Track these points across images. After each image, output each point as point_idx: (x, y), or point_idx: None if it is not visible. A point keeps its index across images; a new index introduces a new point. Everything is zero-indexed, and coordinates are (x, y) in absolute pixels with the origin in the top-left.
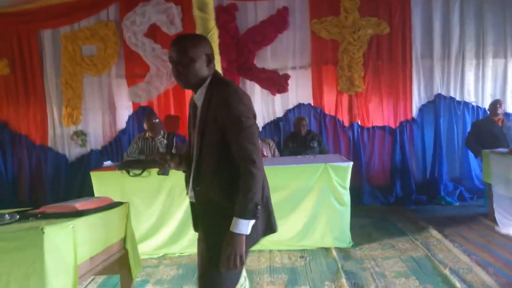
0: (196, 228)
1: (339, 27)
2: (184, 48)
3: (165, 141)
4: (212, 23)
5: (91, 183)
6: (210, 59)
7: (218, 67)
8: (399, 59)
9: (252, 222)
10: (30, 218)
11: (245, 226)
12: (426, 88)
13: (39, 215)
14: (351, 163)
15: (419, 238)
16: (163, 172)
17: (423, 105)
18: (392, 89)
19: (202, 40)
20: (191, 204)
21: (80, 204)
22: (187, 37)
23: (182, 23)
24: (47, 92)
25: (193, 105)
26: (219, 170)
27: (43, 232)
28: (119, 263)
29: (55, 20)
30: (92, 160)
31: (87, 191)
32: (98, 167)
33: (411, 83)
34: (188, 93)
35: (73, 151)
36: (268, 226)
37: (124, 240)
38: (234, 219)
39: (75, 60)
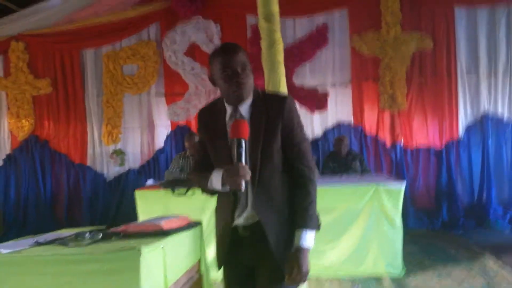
0: (226, 263)
1: (381, 42)
2: (243, 57)
3: (241, 149)
4: (278, 34)
5: (129, 202)
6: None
7: (283, 77)
8: (444, 75)
9: None
10: (113, 237)
11: (312, 239)
12: (472, 106)
13: (121, 234)
14: (404, 184)
15: (475, 266)
16: (245, 186)
17: (469, 125)
18: (437, 107)
19: None
20: (232, 231)
21: (164, 223)
22: (238, 45)
23: (221, 41)
24: (88, 111)
25: (234, 117)
26: (283, 181)
27: (140, 253)
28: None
29: (97, 40)
30: (129, 179)
31: (124, 210)
32: (136, 186)
33: (457, 100)
34: None
35: (111, 170)
36: None
37: (199, 263)
38: (302, 231)
39: (116, 79)
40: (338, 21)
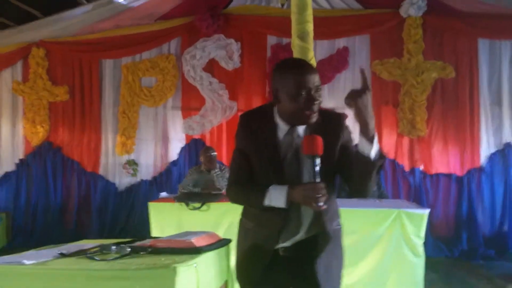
0: (259, 284)
1: (402, 69)
2: (318, 78)
3: (316, 166)
4: (311, 54)
5: (139, 213)
6: None
7: None
8: (466, 104)
9: None
10: (141, 252)
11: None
12: (495, 136)
13: (149, 249)
14: (428, 211)
15: None
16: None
17: (492, 154)
18: (458, 135)
19: None
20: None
21: (196, 240)
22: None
23: (241, 58)
24: (103, 120)
25: (291, 135)
26: (335, 194)
27: (176, 272)
28: None
29: (117, 51)
30: (141, 190)
31: (134, 221)
32: (147, 197)
33: (478, 129)
34: None
35: (123, 180)
36: None
37: (226, 284)
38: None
39: (133, 91)
40: (359, 46)
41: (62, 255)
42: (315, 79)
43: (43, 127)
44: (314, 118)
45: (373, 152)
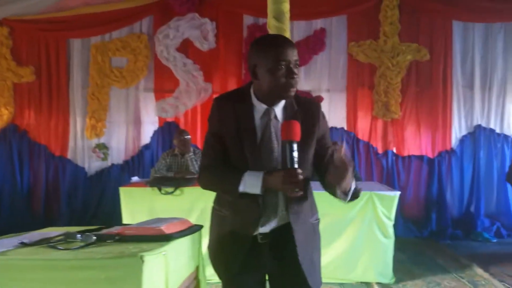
0: (239, 272)
1: (378, 51)
2: (297, 53)
3: (294, 152)
4: (288, 35)
5: (110, 198)
6: None
7: None
8: (439, 87)
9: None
10: (108, 241)
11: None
12: (466, 118)
13: (116, 237)
14: (399, 193)
15: (464, 276)
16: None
17: (463, 136)
18: (431, 118)
19: None
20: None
21: (165, 227)
22: None
23: (216, 39)
24: (72, 102)
25: (268, 116)
26: (310, 181)
27: (143, 261)
28: None
29: (86, 30)
30: (112, 175)
31: (105, 206)
32: (118, 182)
33: (451, 112)
34: None
35: (93, 164)
36: None
37: (197, 270)
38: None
39: (103, 71)
40: (336, 26)
41: (24, 245)
42: (294, 53)
43: (8, 109)
44: (293, 92)
45: (348, 198)
